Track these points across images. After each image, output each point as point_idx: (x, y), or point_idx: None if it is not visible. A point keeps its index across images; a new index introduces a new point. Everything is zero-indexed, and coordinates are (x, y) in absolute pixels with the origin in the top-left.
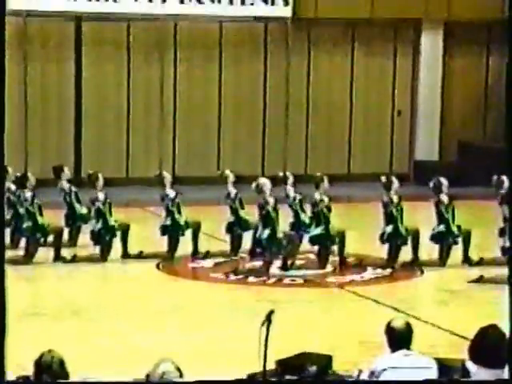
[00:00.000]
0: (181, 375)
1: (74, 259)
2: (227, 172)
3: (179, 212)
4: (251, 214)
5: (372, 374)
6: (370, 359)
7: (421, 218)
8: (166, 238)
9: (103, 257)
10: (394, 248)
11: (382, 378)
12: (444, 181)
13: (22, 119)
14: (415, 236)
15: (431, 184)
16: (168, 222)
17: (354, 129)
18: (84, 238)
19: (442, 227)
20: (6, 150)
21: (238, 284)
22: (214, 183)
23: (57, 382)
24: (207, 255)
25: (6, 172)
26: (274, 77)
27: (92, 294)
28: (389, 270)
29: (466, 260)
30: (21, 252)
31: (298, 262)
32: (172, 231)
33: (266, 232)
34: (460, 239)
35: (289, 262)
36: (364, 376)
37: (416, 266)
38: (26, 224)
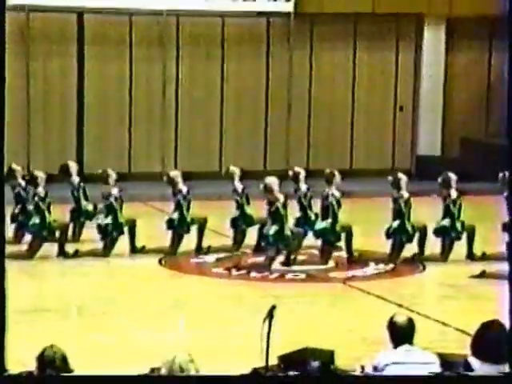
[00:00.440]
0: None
1: (77, 254)
2: (233, 168)
3: (188, 209)
4: (255, 208)
5: (374, 369)
6: (373, 354)
7: (423, 213)
8: (169, 232)
9: (106, 252)
10: (397, 243)
11: (384, 374)
12: (453, 176)
13: (24, 115)
14: (422, 231)
15: (440, 179)
16: (175, 216)
17: (356, 124)
18: (87, 233)
19: (446, 221)
20: (9, 145)
21: (240, 279)
22: (216, 178)
23: (59, 376)
24: (209, 250)
25: (13, 169)
26: (276, 72)
27: (94, 289)
28: (391, 266)
29: (470, 256)
30: (24, 247)
31: (300, 258)
32: (177, 226)
33: (274, 228)
34: (464, 235)
35: (291, 258)
36: (366, 371)
37: (418, 261)
38: (34, 220)
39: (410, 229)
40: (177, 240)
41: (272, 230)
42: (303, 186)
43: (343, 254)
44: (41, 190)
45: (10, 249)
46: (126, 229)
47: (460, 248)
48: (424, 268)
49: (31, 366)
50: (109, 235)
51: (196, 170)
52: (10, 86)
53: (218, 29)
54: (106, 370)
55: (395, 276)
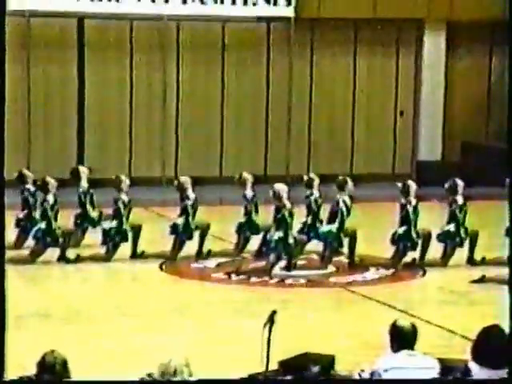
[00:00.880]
0: (191, 373)
1: (78, 259)
2: (246, 175)
3: (193, 216)
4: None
5: (374, 373)
6: (373, 359)
7: (423, 218)
8: (170, 237)
9: (107, 257)
10: (401, 250)
11: (384, 378)
12: (460, 182)
13: (25, 120)
14: (427, 238)
15: (447, 185)
16: (179, 222)
17: (356, 129)
18: (88, 238)
19: (451, 227)
20: (9, 150)
21: (241, 284)
22: (217, 183)
23: (58, 381)
24: (208, 254)
25: (24, 174)
26: (276, 77)
27: (94, 294)
28: (391, 271)
29: (470, 261)
30: (25, 252)
31: (300, 263)
32: (181, 232)
33: (277, 234)
34: (466, 241)
35: (292, 263)
36: (366, 376)
37: (418, 266)
38: (39, 226)
39: (415, 236)
40: (178, 245)
41: (275, 236)
42: (316, 193)
43: (343, 258)
44: (50, 197)
45: (10, 254)
46: (130, 234)
47: (460, 253)
48: (424, 273)
49: (31, 370)
50: (111, 239)
51: (196, 175)
52: (11, 92)
53: (218, 34)
54: (107, 374)
55: (395, 281)
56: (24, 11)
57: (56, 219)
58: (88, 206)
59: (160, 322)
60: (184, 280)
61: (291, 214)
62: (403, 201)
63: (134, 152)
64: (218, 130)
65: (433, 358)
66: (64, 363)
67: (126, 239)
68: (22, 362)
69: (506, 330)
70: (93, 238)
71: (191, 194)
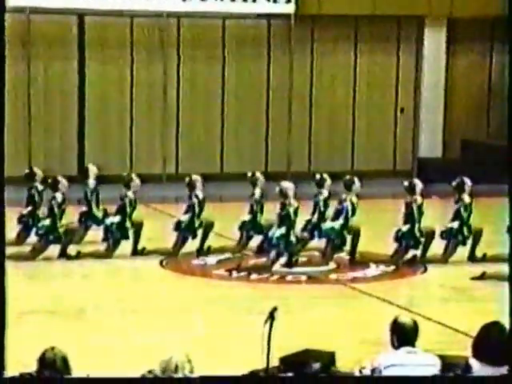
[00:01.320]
0: (192, 369)
1: (79, 256)
2: (259, 174)
3: (199, 215)
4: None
5: (375, 370)
6: (373, 356)
7: (424, 214)
8: (171, 234)
9: (108, 254)
10: (403, 247)
11: (384, 375)
12: (468, 181)
13: (25, 117)
14: (429, 236)
15: (454, 183)
16: (184, 219)
17: (357, 126)
18: (90, 235)
19: (455, 224)
20: (10, 147)
21: (241, 281)
22: (217, 180)
23: (59, 377)
24: (209, 251)
25: (34, 172)
26: (276, 74)
27: (95, 290)
28: (392, 267)
29: (471, 257)
30: (26, 248)
31: (301, 259)
32: (185, 229)
33: (279, 231)
34: (469, 240)
35: (293, 260)
36: (367, 373)
37: (419, 262)
38: (43, 223)
39: (418, 234)
40: (180, 242)
41: (277, 232)
42: (325, 193)
43: (344, 255)
44: (59, 196)
45: (11, 250)
46: (131, 231)
47: (461, 250)
48: (425, 269)
49: (32, 367)
50: (112, 235)
51: (197, 172)
52: (11, 89)
53: (218, 31)
54: (108, 371)
55: (396, 277)
56: (24, 8)
57: (61, 218)
58: (93, 205)
59: (160, 318)
60: (185, 277)
61: (296, 213)
62: (408, 199)
63: (134, 149)
64: (218, 126)
65: (433, 355)
66: (64, 360)
67: (126, 237)
68: (22, 358)
69: (507, 326)
70: (94, 234)
71: (200, 194)
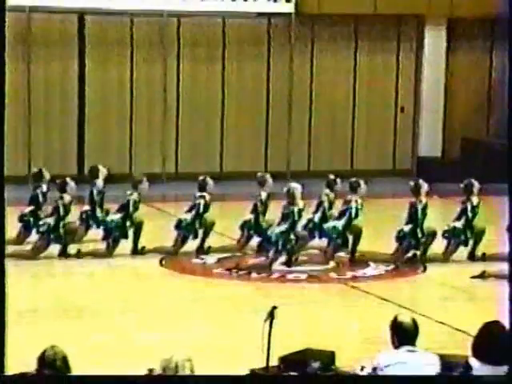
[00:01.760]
0: (192, 368)
1: (79, 255)
2: (268, 176)
3: (202, 215)
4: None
5: (375, 369)
6: (373, 355)
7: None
8: (172, 233)
9: (108, 253)
10: (404, 247)
11: (384, 374)
12: (476, 183)
13: (25, 116)
14: (431, 236)
15: (462, 185)
16: (185, 218)
17: (357, 125)
18: (90, 233)
19: (459, 224)
20: (9, 147)
21: (241, 280)
22: (217, 179)
23: (59, 376)
24: (209, 250)
25: (43, 173)
26: (277, 73)
27: (95, 289)
28: (392, 266)
29: (471, 256)
30: (26, 247)
31: (301, 258)
32: (185, 229)
33: (279, 228)
34: (471, 241)
35: (293, 258)
36: (367, 372)
37: (419, 261)
38: (46, 220)
39: (420, 235)
40: (180, 241)
41: (277, 229)
42: (332, 195)
43: (344, 254)
44: (67, 197)
45: (12, 248)
46: (131, 230)
47: (461, 249)
48: (425, 269)
49: (32, 366)
50: (112, 233)
51: (197, 171)
52: (11, 88)
53: (218, 30)
54: (107, 370)
55: (396, 277)
56: (24, 7)
57: (64, 219)
58: (97, 205)
59: (160, 317)
60: (184, 276)
61: (300, 213)
62: (413, 199)
63: (134, 148)
64: (218, 125)
65: (433, 354)
66: (64, 359)
67: (126, 236)
68: (22, 357)
69: (507, 325)
70: (94, 233)
71: (207, 195)
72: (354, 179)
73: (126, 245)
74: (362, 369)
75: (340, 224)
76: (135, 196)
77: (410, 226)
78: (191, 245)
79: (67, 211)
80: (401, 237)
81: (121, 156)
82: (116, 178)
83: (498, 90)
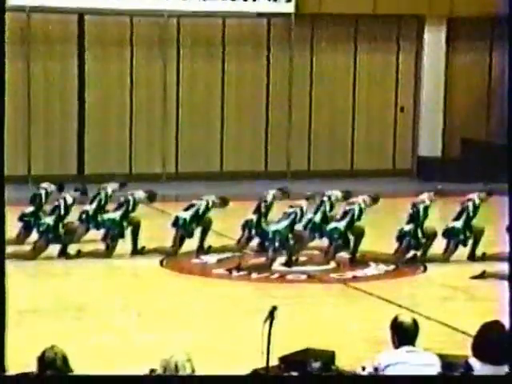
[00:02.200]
0: (192, 368)
1: (79, 255)
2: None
3: (202, 216)
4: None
5: (375, 369)
6: (374, 355)
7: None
8: (171, 233)
9: (108, 253)
10: (404, 247)
11: (385, 374)
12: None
13: (25, 116)
14: (431, 237)
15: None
16: (182, 216)
17: (356, 125)
18: (89, 233)
19: (458, 223)
20: (9, 146)
21: (241, 280)
22: (217, 179)
23: (59, 376)
24: (209, 250)
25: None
26: (276, 73)
27: (95, 289)
28: (392, 266)
29: (471, 256)
30: (27, 247)
31: (301, 259)
32: (182, 227)
33: (277, 226)
34: (470, 241)
35: (293, 258)
36: (367, 372)
37: (419, 261)
38: (45, 220)
39: (420, 235)
40: (178, 241)
41: (274, 226)
42: (333, 197)
43: (344, 254)
44: (69, 198)
45: (12, 249)
46: (128, 230)
47: (461, 249)
48: (425, 269)
49: (32, 366)
50: (108, 229)
51: (197, 171)
52: (11, 87)
53: (218, 29)
54: (107, 370)
55: (396, 277)
56: (24, 6)
57: (64, 219)
58: (98, 208)
59: (161, 317)
60: (185, 276)
61: (302, 215)
62: (416, 199)
63: (134, 147)
64: (218, 125)
65: (434, 354)
66: (64, 358)
67: (122, 235)
68: (22, 357)
69: (507, 325)
70: (94, 233)
71: (211, 198)
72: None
73: (125, 245)
74: (363, 369)
75: (342, 225)
76: (136, 196)
77: (410, 226)
78: (191, 245)
79: (68, 211)
80: (401, 236)
81: (120, 155)
82: (116, 177)
83: (497, 90)
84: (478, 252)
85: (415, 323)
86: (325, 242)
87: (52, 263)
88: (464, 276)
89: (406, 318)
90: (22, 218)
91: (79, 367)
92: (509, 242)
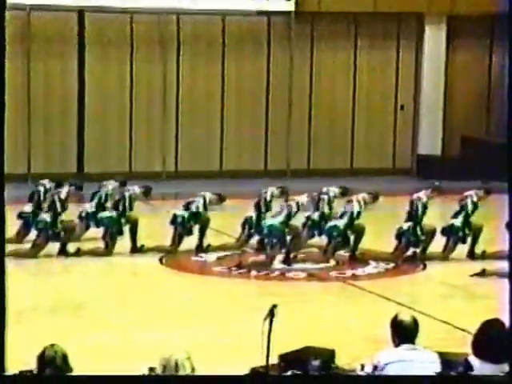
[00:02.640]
0: (192, 366)
1: (78, 253)
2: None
3: (200, 216)
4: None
5: (375, 368)
6: (373, 353)
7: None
8: (170, 231)
9: (108, 251)
10: (403, 245)
11: (384, 372)
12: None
13: (25, 114)
14: (430, 234)
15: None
16: (180, 213)
17: (356, 123)
18: (89, 231)
19: (457, 221)
20: (9, 146)
21: (241, 278)
22: (217, 178)
23: (59, 375)
24: (208, 248)
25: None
26: (276, 71)
27: (94, 287)
28: (392, 265)
29: (471, 254)
30: (26, 246)
31: (301, 256)
32: (180, 224)
33: (272, 220)
34: (469, 239)
35: (291, 256)
36: (367, 370)
37: (419, 259)
38: (43, 217)
39: (419, 233)
40: (177, 238)
41: (269, 221)
42: (332, 193)
43: (344, 252)
44: (63, 192)
45: (11, 247)
46: (127, 227)
47: (460, 246)
48: (425, 267)
49: (32, 365)
50: (107, 227)
51: (196, 169)
52: (11, 86)
53: (218, 28)
54: (107, 369)
55: (396, 275)
56: (24, 5)
57: (61, 215)
58: (98, 206)
59: (160, 315)
60: (184, 274)
61: (297, 208)
62: (413, 197)
63: (134, 146)
64: (218, 123)
65: (433, 352)
66: (64, 357)
67: (120, 232)
68: (22, 356)
69: (507, 323)
70: (94, 231)
71: (207, 194)
72: (370, 192)
73: (125, 243)
74: (363, 367)
75: (341, 223)
76: (131, 192)
77: (409, 224)
78: (191, 243)
79: (64, 207)
80: (400, 234)
81: (121, 154)
82: (116, 176)
83: (497, 88)
84: (478, 250)
85: (415, 321)
86: (324, 239)
87: (52, 261)
88: (464, 274)
89: (405, 316)
90: (20, 215)
91: (79, 365)
92: (509, 238)
